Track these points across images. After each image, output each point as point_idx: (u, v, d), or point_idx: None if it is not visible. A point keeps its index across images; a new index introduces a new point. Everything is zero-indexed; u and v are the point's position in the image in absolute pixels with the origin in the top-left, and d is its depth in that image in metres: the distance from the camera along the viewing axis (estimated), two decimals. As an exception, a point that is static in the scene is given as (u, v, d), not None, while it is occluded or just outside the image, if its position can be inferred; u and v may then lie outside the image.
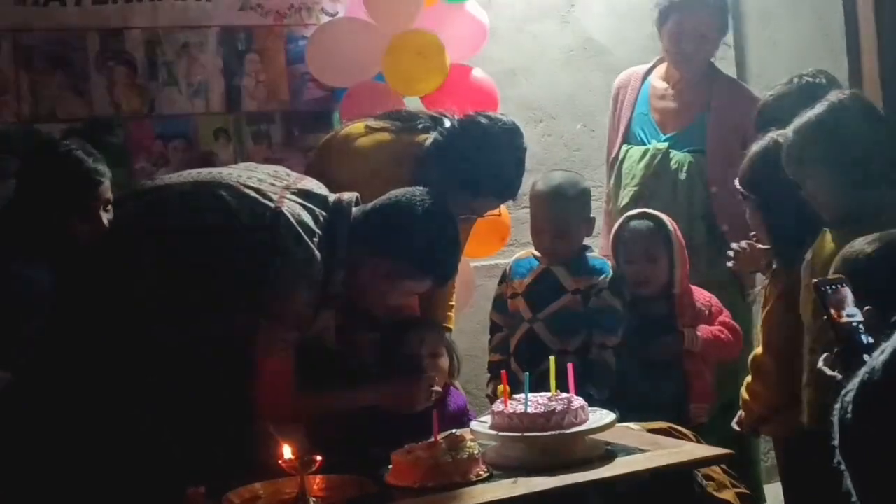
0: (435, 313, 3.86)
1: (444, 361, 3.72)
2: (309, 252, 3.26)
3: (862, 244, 2.66)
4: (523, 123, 4.95)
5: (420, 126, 3.77)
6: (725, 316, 4.13)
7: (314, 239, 3.28)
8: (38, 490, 3.11)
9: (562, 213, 3.97)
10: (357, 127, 3.84)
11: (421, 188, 3.41)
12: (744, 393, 3.48)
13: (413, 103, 4.44)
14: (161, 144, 4.35)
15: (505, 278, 4.14)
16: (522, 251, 4.19)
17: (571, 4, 5.24)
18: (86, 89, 4.25)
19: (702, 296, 4.13)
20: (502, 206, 4.39)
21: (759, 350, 3.43)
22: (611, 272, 3.99)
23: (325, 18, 4.58)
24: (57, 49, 4.22)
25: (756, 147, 3.43)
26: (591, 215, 4.08)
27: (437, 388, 3.59)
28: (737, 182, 3.49)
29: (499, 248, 4.39)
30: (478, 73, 4.53)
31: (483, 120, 3.70)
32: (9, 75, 4.16)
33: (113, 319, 3.25)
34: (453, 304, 3.98)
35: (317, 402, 3.37)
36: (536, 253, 4.08)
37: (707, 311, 4.10)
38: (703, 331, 4.01)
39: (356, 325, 3.72)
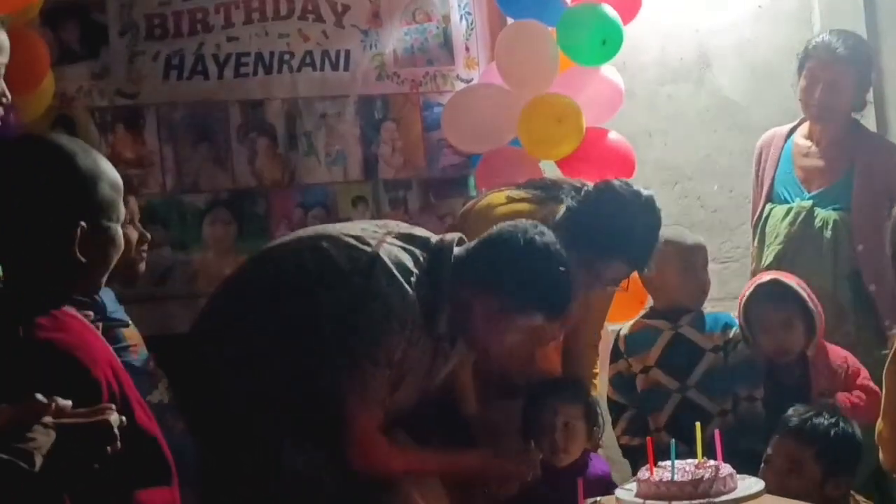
0: (577, 372, 3.81)
1: (581, 428, 3.65)
2: (402, 291, 3.16)
3: None
4: (659, 185, 4.96)
5: (562, 196, 3.71)
6: (864, 377, 3.91)
7: (411, 279, 3.19)
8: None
9: (688, 267, 3.96)
10: (498, 197, 3.81)
11: (530, 221, 3.32)
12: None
13: (549, 167, 4.43)
14: (301, 213, 4.40)
15: (620, 354, 4.06)
16: (628, 324, 4.12)
17: (707, 64, 5.19)
18: (228, 160, 4.33)
19: (836, 356, 3.96)
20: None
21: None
22: (737, 324, 3.93)
23: (460, 85, 4.61)
24: (200, 121, 4.31)
25: None
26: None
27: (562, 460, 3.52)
28: (887, 242, 3.39)
29: (639, 310, 4.33)
30: (614, 135, 4.51)
31: (618, 185, 3.66)
32: (154, 148, 4.25)
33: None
34: (597, 371, 3.93)
35: (417, 460, 3.29)
36: (645, 321, 4.02)
37: (843, 373, 3.93)
38: (840, 398, 3.86)
39: (498, 392, 3.71)
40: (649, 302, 4.20)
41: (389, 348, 3.16)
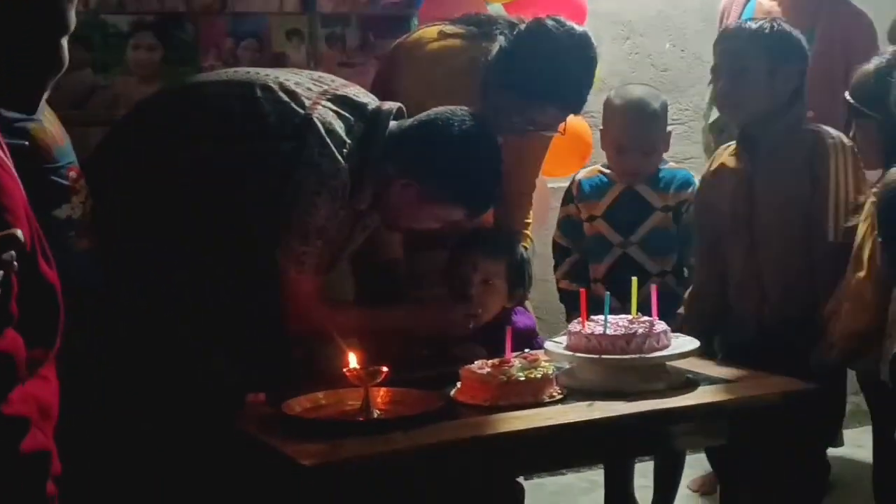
0: (506, 222, 3.67)
1: (500, 286, 3.48)
2: (335, 163, 3.06)
3: None
4: (610, 40, 4.80)
5: (497, 32, 3.54)
6: None
7: (343, 149, 3.08)
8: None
9: (647, 129, 3.77)
10: (430, 31, 3.63)
11: (465, 109, 3.18)
12: (837, 322, 3.23)
13: (496, 10, 4.22)
14: (232, 43, 4.15)
15: (572, 199, 3.93)
16: (585, 169, 3.98)
17: (667, -83, 4.98)
18: (156, -19, 4.07)
19: None
20: (584, 123, 4.22)
21: (861, 274, 3.17)
22: (696, 184, 3.78)
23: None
24: (126, -62, 4.04)
25: (878, 61, 3.22)
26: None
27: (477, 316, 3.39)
28: (848, 95, 3.27)
29: (579, 167, 4.17)
30: (565, -18, 4.29)
31: (551, 24, 3.46)
32: (77, -37, 3.97)
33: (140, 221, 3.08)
34: (529, 220, 3.78)
35: (347, 321, 3.18)
36: (604, 169, 3.87)
37: None
38: None
39: (420, 243, 3.56)
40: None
41: (322, 219, 3.08)
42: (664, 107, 3.84)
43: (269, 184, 3.06)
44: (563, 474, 4.62)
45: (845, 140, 3.37)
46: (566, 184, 4.04)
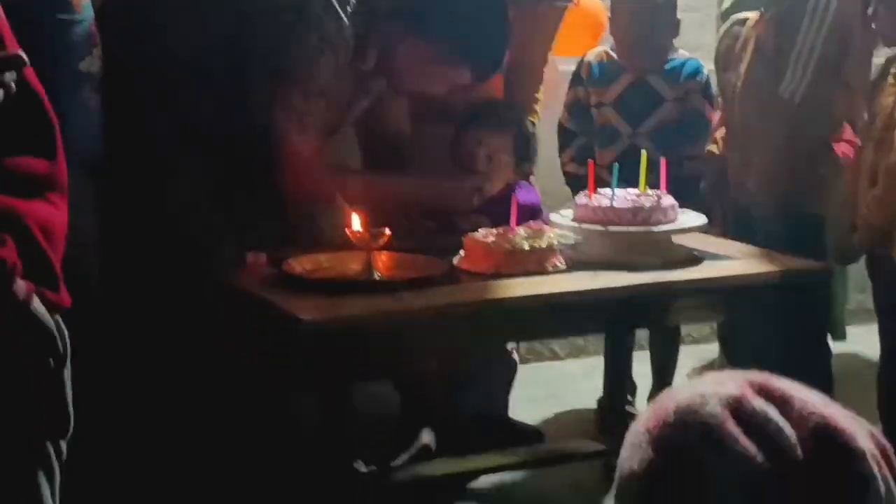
0: (514, 95, 3.61)
1: (506, 161, 3.42)
2: (338, 21, 3.00)
3: None
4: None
5: None
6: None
7: (347, 7, 3.02)
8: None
9: (653, 25, 3.71)
10: None
11: None
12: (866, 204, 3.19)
13: None
14: None
15: (581, 81, 3.86)
16: (596, 51, 3.89)
17: None
18: None
19: None
20: (599, 3, 4.15)
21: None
22: (705, 74, 3.71)
23: None
24: None
25: None
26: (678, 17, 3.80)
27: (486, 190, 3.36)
28: None
29: (591, 46, 4.09)
30: None
31: None
32: None
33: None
34: (539, 96, 3.72)
35: (350, 186, 3.14)
36: (612, 53, 3.81)
37: None
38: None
39: (427, 117, 3.51)
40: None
41: (322, 78, 3.01)
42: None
43: (271, 42, 3.00)
44: (561, 359, 4.63)
45: None
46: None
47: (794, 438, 1.05)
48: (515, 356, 3.66)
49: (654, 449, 1.10)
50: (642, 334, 3.95)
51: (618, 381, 3.56)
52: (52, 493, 1.91)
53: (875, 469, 1.06)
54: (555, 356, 4.61)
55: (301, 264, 2.81)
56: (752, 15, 3.61)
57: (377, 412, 3.34)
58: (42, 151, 1.88)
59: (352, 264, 2.83)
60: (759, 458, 1.04)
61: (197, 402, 2.96)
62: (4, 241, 1.78)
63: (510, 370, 3.60)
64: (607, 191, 3.04)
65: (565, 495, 3.47)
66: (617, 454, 2.62)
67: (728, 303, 2.98)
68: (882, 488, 1.05)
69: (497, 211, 3.25)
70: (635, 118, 3.75)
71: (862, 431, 1.08)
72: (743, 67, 3.54)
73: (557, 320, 2.86)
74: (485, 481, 3.43)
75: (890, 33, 3.25)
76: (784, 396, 1.10)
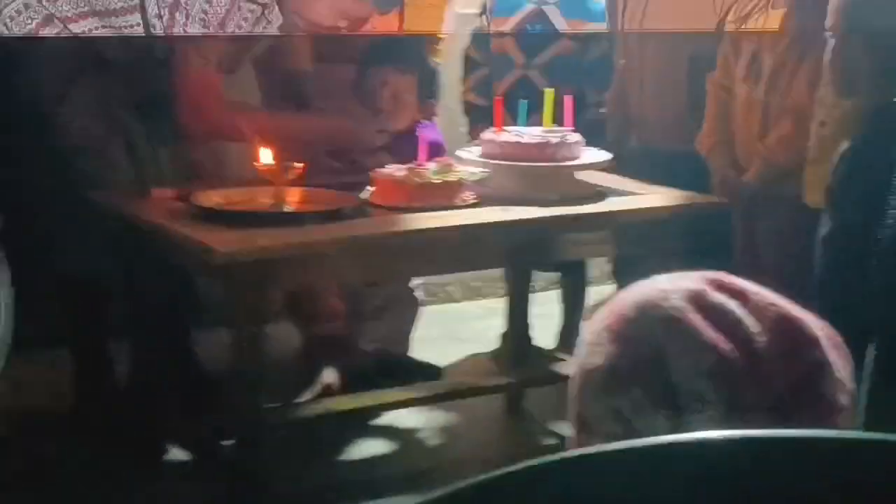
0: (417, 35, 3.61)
1: (411, 100, 3.44)
2: None
3: None
4: None
5: None
6: None
7: None
8: None
9: None
10: None
11: None
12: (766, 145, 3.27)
13: None
14: None
15: (485, 11, 3.86)
16: None
17: None
18: None
19: None
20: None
21: None
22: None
23: None
24: None
25: None
26: None
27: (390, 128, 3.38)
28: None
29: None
30: None
31: None
32: None
33: None
34: (443, 35, 3.72)
35: (251, 120, 3.11)
36: None
37: None
38: None
39: (329, 56, 3.49)
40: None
41: (219, 9, 2.91)
42: None
43: None
44: (457, 301, 4.66)
45: None
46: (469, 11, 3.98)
47: (755, 328, 1.09)
48: (417, 295, 3.67)
49: (617, 343, 1.13)
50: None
51: (521, 318, 3.61)
52: None
53: (829, 354, 1.10)
54: (450, 298, 4.65)
55: (210, 198, 2.79)
56: None
57: (277, 349, 3.34)
58: None
59: (262, 198, 2.82)
60: (724, 346, 1.07)
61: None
62: None
63: (414, 308, 3.62)
64: (514, 128, 3.06)
65: (468, 429, 3.52)
66: (520, 388, 2.66)
67: (631, 235, 3.04)
68: (836, 372, 1.10)
69: (401, 148, 3.27)
70: (531, 50, 3.75)
71: (814, 321, 1.13)
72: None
73: (469, 253, 2.90)
74: (388, 418, 3.46)
75: None
76: (740, 290, 1.14)
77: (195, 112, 3.04)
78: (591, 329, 1.18)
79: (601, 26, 3.73)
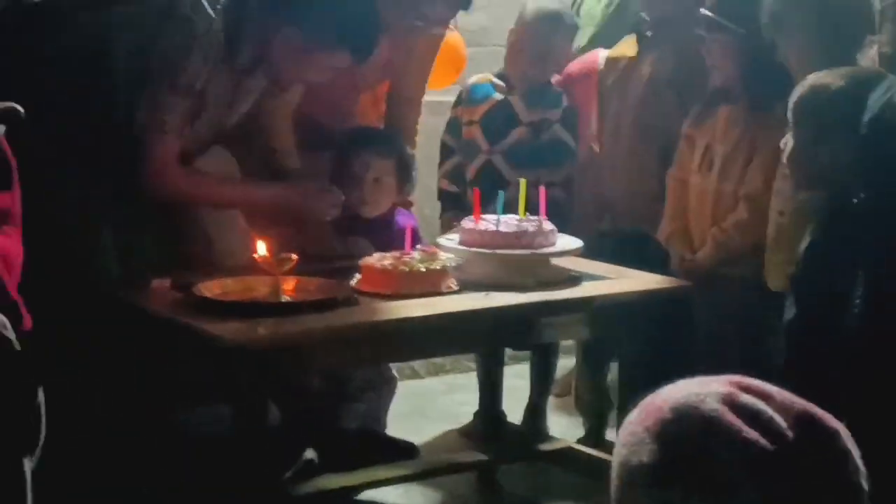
0: (395, 126, 3.80)
1: (391, 184, 3.61)
2: (206, 19, 3.08)
3: (828, 77, 2.78)
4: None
5: None
6: None
7: (217, 5, 3.11)
8: None
9: (550, 35, 3.91)
10: None
11: None
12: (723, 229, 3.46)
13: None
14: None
15: (460, 101, 4.06)
16: (479, 75, 4.11)
17: None
18: None
19: None
20: (459, 35, 4.35)
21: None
22: (566, 104, 3.96)
23: None
24: None
25: None
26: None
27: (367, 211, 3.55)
28: (705, 10, 3.45)
29: (453, 79, 4.31)
30: None
31: None
32: None
33: None
34: (417, 126, 3.91)
35: (214, 188, 3.27)
36: (495, 80, 4.02)
37: None
38: None
39: (312, 141, 3.64)
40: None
41: (190, 77, 3.08)
42: (571, 27, 4.02)
43: (137, 44, 3.06)
44: (421, 378, 4.80)
45: None
46: (438, 98, 4.18)
47: (784, 424, 1.26)
48: (395, 374, 3.82)
49: (658, 443, 1.29)
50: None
51: (494, 394, 3.77)
52: None
53: (848, 443, 1.28)
54: (415, 375, 4.79)
55: (209, 288, 2.92)
56: (627, 52, 3.85)
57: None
58: (1, 186, 1.97)
59: (259, 287, 2.96)
60: (762, 442, 1.24)
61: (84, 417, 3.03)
62: None
63: (392, 387, 3.76)
64: (492, 217, 3.24)
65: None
66: (495, 465, 2.81)
67: (607, 317, 3.22)
68: (856, 459, 1.27)
69: (380, 234, 3.44)
70: (495, 137, 3.95)
71: (831, 416, 1.30)
72: (629, 101, 3.78)
73: (453, 337, 3.06)
74: (367, 496, 3.58)
75: (721, 72, 3.53)
76: (764, 392, 1.31)
77: (154, 173, 3.11)
78: (628, 430, 1.34)
79: (557, 114, 3.95)
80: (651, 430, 1.30)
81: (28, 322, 1.99)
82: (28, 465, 2.01)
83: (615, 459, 1.33)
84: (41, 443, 2.04)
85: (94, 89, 3.06)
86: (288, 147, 3.57)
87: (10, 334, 1.91)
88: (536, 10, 3.95)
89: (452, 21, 3.93)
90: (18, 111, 1.81)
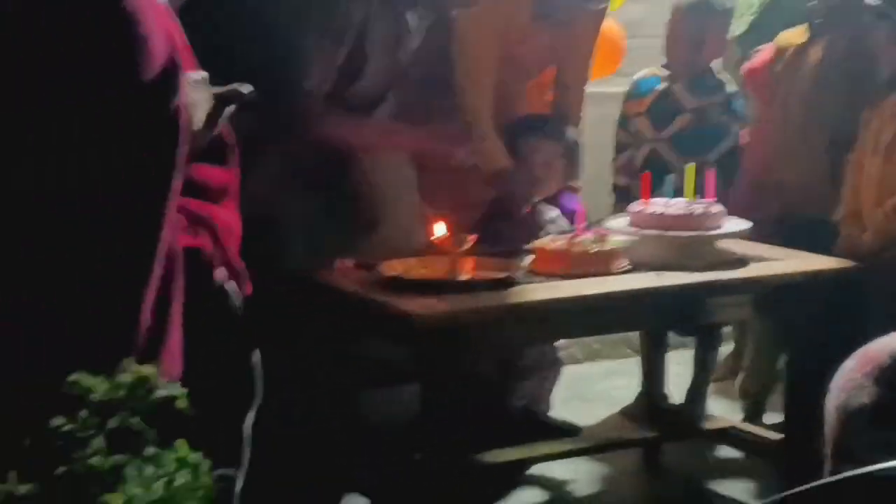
0: (560, 111, 3.91)
1: (559, 166, 3.74)
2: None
3: None
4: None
5: None
6: None
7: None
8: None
9: (702, 23, 3.98)
10: None
11: None
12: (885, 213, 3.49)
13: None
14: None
15: (629, 96, 4.17)
16: (645, 70, 4.21)
17: None
18: None
19: None
20: (618, 29, 4.44)
21: None
22: (727, 90, 4.03)
23: None
24: None
25: None
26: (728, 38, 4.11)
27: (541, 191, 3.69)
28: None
29: (612, 69, 4.41)
30: None
31: None
32: None
33: None
34: (580, 115, 4.01)
35: (365, 129, 3.41)
36: (659, 72, 4.10)
37: None
38: None
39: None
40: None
41: (345, 21, 3.21)
42: (726, 12, 4.06)
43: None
44: (579, 362, 4.90)
45: None
46: (597, 90, 4.28)
47: None
48: (560, 356, 3.92)
49: (878, 386, 1.38)
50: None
51: (657, 376, 3.86)
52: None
53: None
54: (573, 359, 4.88)
55: (394, 268, 3.06)
56: (794, 40, 3.92)
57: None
58: (223, 163, 2.13)
59: (439, 266, 3.09)
60: None
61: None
62: (203, 236, 2.03)
63: (557, 369, 3.87)
64: (660, 200, 3.33)
65: (611, 482, 3.76)
66: (658, 444, 2.89)
67: (776, 299, 3.28)
68: None
69: (523, 226, 3.59)
70: (660, 124, 4.03)
71: None
72: (798, 86, 3.84)
73: (625, 316, 3.16)
74: (535, 470, 3.70)
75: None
76: None
77: (318, 124, 3.26)
78: (846, 377, 1.44)
79: (719, 99, 4.01)
80: (870, 374, 1.40)
81: (249, 288, 2.14)
82: (248, 422, 2.16)
83: (830, 404, 1.43)
84: (257, 402, 2.19)
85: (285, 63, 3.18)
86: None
87: (238, 300, 2.07)
88: (689, 1, 4.02)
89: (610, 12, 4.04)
90: (242, 93, 1.96)
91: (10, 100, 1.51)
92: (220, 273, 2.05)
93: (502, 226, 3.59)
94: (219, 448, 1.97)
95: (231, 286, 2.07)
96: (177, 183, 1.62)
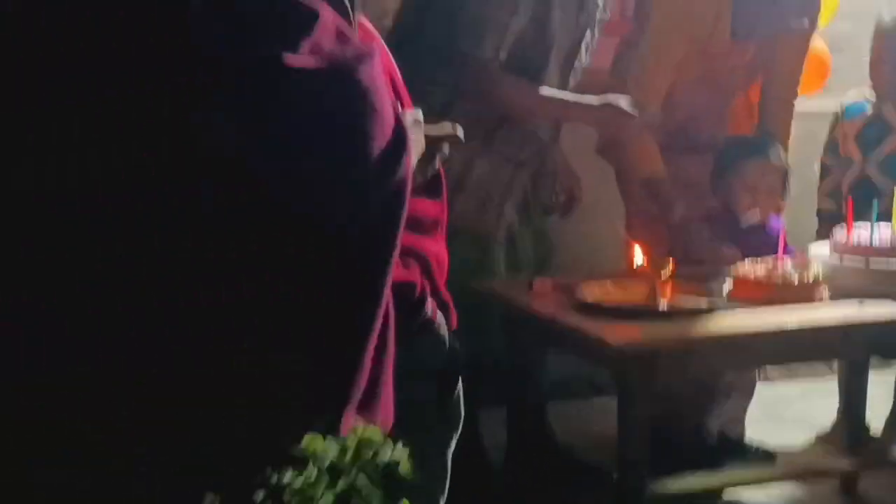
0: (768, 129, 3.87)
1: (777, 190, 3.70)
2: None
3: None
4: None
5: None
6: None
7: None
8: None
9: None
10: None
11: None
12: None
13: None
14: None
15: (837, 120, 4.08)
16: (852, 91, 4.12)
17: None
18: None
19: None
20: (823, 45, 4.36)
21: None
22: None
23: None
24: None
25: None
26: None
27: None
28: None
29: (818, 86, 4.33)
30: None
31: None
32: None
33: None
34: (790, 132, 3.96)
35: (540, 101, 3.39)
36: (868, 94, 4.01)
37: None
38: None
39: (680, 146, 3.76)
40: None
41: None
42: None
43: None
44: (773, 380, 4.82)
45: None
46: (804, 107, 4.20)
47: None
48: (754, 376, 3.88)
49: None
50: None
51: (857, 401, 3.78)
52: None
53: None
54: (766, 377, 4.81)
55: (592, 292, 3.09)
56: None
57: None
58: (435, 196, 2.18)
59: (637, 291, 3.10)
60: None
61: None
62: (413, 269, 2.09)
63: (751, 391, 3.83)
64: (865, 224, 3.26)
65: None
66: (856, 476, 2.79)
67: None
68: None
69: (751, 239, 3.52)
70: (868, 148, 3.95)
71: None
72: None
73: (826, 345, 3.11)
74: (729, 494, 3.66)
75: None
76: None
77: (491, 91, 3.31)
78: None
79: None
80: None
81: (455, 321, 2.19)
82: (450, 452, 2.22)
83: None
84: (459, 431, 2.24)
85: None
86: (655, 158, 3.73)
87: (445, 331, 2.13)
88: (893, 21, 3.92)
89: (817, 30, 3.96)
90: (459, 138, 2.00)
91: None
92: (430, 305, 2.11)
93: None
94: (428, 479, 2.04)
95: (440, 318, 2.13)
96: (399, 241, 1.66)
